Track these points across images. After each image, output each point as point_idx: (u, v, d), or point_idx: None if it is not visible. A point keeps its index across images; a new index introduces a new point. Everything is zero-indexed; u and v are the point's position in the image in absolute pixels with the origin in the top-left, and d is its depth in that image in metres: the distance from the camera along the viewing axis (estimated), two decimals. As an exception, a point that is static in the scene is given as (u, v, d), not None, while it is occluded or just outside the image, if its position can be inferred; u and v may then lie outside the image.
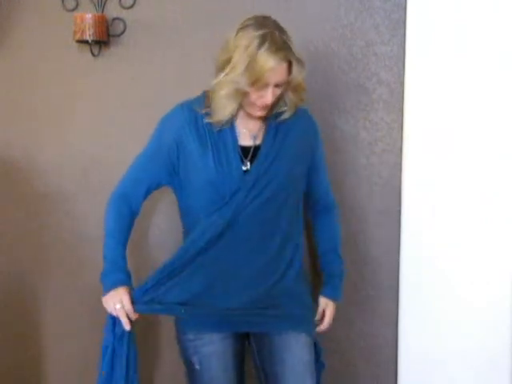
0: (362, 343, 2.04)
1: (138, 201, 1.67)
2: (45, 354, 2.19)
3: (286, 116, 1.62)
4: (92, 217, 2.07)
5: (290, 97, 1.60)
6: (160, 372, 2.13)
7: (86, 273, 2.08)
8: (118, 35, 2.04)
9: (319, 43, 1.95)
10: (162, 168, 1.64)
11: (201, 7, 1.99)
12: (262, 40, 1.46)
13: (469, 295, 1.91)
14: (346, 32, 1.95)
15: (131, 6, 2.02)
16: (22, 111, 2.13)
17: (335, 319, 1.77)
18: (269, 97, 1.52)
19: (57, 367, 2.19)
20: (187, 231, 1.66)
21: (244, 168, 1.58)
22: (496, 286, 1.89)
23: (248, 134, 1.62)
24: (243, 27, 1.50)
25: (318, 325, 1.76)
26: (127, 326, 1.54)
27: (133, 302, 1.54)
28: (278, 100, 1.59)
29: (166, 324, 1.98)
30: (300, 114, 1.66)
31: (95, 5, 2.02)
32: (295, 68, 1.52)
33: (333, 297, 1.76)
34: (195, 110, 1.60)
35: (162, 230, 2.08)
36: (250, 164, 1.59)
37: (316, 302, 1.76)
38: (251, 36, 1.47)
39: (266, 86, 1.50)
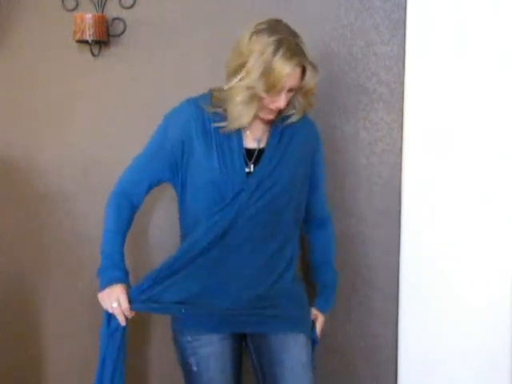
0: (362, 343, 2.03)
1: (139, 196, 1.67)
2: (45, 353, 2.19)
3: (293, 119, 1.62)
4: (92, 217, 2.07)
5: (300, 101, 1.60)
6: (156, 372, 2.13)
7: (86, 273, 2.07)
8: (118, 35, 2.04)
9: (319, 43, 1.95)
10: (166, 164, 1.62)
11: (201, 7, 1.99)
12: (277, 46, 1.45)
13: (469, 295, 1.91)
14: (346, 32, 1.95)
15: (131, 6, 2.02)
16: (22, 111, 2.13)
17: (335, 319, 1.77)
18: (282, 101, 1.53)
19: (57, 367, 2.19)
20: (185, 234, 1.66)
21: (247, 170, 1.58)
22: (496, 285, 1.89)
23: (252, 136, 1.62)
24: (257, 31, 1.49)
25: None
26: (123, 323, 1.54)
27: (130, 301, 1.53)
28: (288, 103, 1.59)
29: (162, 324, 1.98)
30: (304, 120, 1.67)
31: (95, 5, 2.03)
32: (309, 73, 1.52)
33: (323, 309, 1.76)
34: (202, 107, 1.59)
35: (162, 228, 2.07)
36: (254, 166, 1.59)
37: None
38: (265, 42, 1.46)
39: (280, 90, 1.50)
